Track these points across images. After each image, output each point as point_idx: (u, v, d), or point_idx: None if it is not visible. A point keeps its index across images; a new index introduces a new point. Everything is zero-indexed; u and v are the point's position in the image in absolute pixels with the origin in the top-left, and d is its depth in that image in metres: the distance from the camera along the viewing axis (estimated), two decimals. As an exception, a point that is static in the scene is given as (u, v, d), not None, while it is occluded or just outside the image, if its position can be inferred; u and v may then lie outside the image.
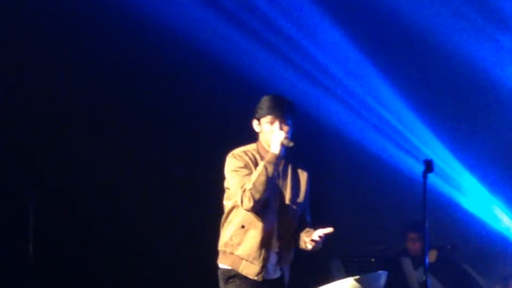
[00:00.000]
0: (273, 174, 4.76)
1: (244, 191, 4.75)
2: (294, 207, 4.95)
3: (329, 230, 4.77)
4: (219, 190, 5.07)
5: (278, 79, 8.05)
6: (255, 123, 4.98)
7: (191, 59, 8.04)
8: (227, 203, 4.98)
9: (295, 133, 4.94)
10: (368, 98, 8.45)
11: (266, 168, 4.74)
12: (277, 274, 4.94)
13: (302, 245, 4.96)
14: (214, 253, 5.05)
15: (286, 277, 4.99)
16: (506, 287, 7.90)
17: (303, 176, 5.04)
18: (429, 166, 5.46)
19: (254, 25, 8.07)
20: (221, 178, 5.03)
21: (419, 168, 5.61)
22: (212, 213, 5.34)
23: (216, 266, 5.03)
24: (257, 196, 4.71)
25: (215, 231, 5.07)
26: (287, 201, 4.93)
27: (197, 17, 7.98)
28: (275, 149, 4.80)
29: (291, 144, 4.83)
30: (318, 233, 4.79)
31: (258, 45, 8.09)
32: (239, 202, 4.79)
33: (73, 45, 7.90)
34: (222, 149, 5.15)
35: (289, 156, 5.01)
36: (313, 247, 4.86)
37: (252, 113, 5.00)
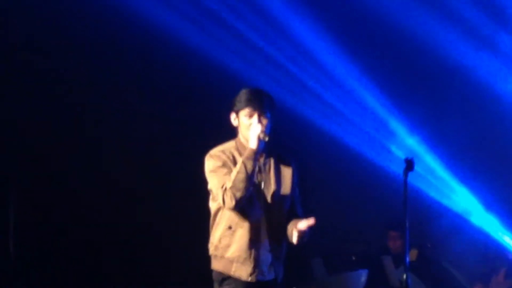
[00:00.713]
0: (253, 170, 4.66)
1: (225, 190, 4.65)
2: (280, 200, 4.84)
3: (311, 221, 4.67)
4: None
5: (256, 74, 8.02)
6: (232, 116, 4.87)
7: (174, 56, 8.01)
8: (212, 205, 4.90)
9: (275, 128, 4.85)
10: (349, 96, 8.45)
11: (245, 165, 4.64)
12: (271, 275, 4.86)
13: (289, 238, 4.85)
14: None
15: (280, 276, 4.90)
16: (487, 284, 7.94)
17: (287, 167, 4.91)
18: (410, 164, 5.46)
19: (227, 18, 8.05)
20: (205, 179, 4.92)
21: (400, 167, 5.61)
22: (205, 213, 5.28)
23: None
24: (238, 194, 4.62)
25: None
26: (271, 195, 4.82)
27: (177, 12, 7.95)
28: (253, 144, 4.70)
29: (267, 138, 4.72)
30: (301, 226, 4.69)
31: (232, 38, 8.06)
32: (221, 203, 4.70)
33: (50, 35, 7.87)
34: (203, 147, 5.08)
35: (271, 148, 4.87)
36: (298, 240, 4.73)
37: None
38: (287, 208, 4.89)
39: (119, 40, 7.95)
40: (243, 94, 4.82)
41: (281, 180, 4.88)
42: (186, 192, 7.83)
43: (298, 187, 4.98)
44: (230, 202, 4.64)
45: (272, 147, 4.89)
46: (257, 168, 4.74)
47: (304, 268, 7.61)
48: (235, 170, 4.67)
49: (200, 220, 5.16)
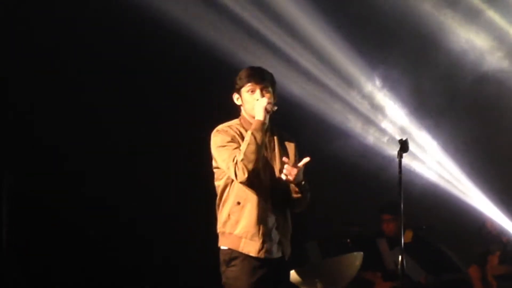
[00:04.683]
0: (262, 141, 4.69)
1: (236, 163, 4.65)
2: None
3: (306, 159, 4.74)
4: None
5: (247, 54, 7.99)
6: (235, 97, 4.90)
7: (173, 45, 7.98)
8: (218, 184, 4.88)
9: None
10: (342, 79, 8.42)
11: (254, 136, 4.67)
12: (279, 254, 4.86)
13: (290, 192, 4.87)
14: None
15: (287, 253, 4.91)
16: (484, 266, 7.93)
17: (290, 146, 4.97)
18: (404, 146, 5.43)
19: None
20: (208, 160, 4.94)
21: (394, 148, 5.58)
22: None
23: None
24: (250, 166, 4.63)
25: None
26: (277, 172, 4.84)
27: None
28: (260, 116, 4.73)
29: (275, 108, 4.77)
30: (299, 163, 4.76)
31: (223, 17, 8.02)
32: (233, 176, 4.70)
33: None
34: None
35: (274, 128, 4.92)
36: (292, 176, 4.72)
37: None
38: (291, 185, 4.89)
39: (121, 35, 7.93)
40: (243, 72, 4.87)
41: (287, 156, 4.88)
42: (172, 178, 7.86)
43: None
44: (243, 175, 4.65)
45: (275, 128, 4.93)
46: (266, 142, 4.77)
47: (299, 252, 7.59)
48: (245, 142, 4.69)
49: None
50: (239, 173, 4.66)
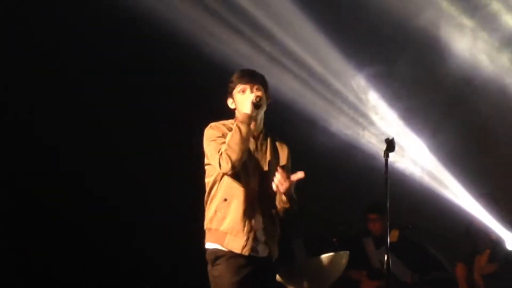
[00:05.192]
0: (247, 133, 4.76)
1: (221, 154, 4.73)
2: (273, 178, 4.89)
3: (300, 174, 4.79)
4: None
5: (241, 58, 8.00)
6: (229, 101, 4.99)
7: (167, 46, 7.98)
8: (208, 180, 4.94)
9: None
10: (329, 77, 8.42)
11: (239, 128, 4.75)
12: (265, 253, 4.89)
13: (277, 200, 4.91)
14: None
15: (274, 254, 4.94)
16: (471, 265, 7.94)
17: (282, 148, 5.04)
18: (390, 145, 5.43)
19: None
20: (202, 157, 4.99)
21: (381, 147, 5.58)
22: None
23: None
24: (234, 156, 4.70)
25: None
26: (267, 172, 4.90)
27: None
28: (247, 109, 4.81)
29: (261, 102, 4.83)
30: (293, 177, 4.80)
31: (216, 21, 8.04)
32: (217, 167, 4.76)
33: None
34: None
35: (267, 131, 5.01)
36: (282, 189, 4.76)
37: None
38: None
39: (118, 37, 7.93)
40: (234, 75, 4.96)
41: (277, 159, 4.97)
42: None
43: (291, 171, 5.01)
44: (226, 165, 4.72)
45: (268, 130, 5.01)
46: (254, 143, 4.85)
47: (285, 250, 7.58)
48: (229, 134, 4.77)
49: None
50: (223, 163, 4.72)
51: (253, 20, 8.13)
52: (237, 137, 4.73)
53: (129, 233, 8.10)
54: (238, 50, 8.06)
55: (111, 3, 7.65)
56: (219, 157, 4.73)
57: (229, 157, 4.70)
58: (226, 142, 4.75)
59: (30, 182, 7.93)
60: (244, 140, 4.74)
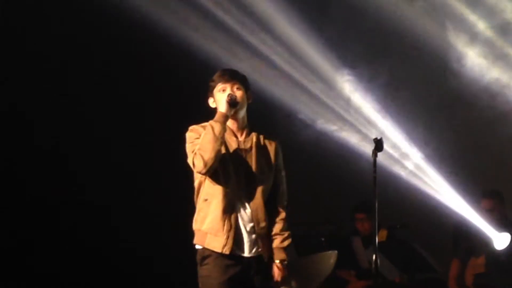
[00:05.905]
0: (220, 132, 4.75)
1: (195, 154, 4.74)
2: (261, 178, 4.90)
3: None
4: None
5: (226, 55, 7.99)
6: (210, 100, 4.99)
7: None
8: (196, 182, 4.96)
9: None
10: (317, 75, 8.42)
11: (212, 127, 4.76)
12: (253, 253, 4.89)
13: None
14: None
15: (265, 253, 4.95)
16: (465, 263, 7.92)
17: (271, 145, 5.01)
18: (378, 144, 5.43)
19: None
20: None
21: (369, 147, 5.58)
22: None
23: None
24: (206, 155, 4.70)
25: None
26: (253, 170, 4.89)
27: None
28: (222, 107, 4.83)
29: (235, 99, 4.82)
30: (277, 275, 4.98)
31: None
32: (192, 167, 4.79)
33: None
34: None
35: (252, 128, 5.00)
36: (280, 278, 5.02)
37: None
38: (269, 186, 4.95)
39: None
40: (215, 74, 4.96)
41: (264, 156, 4.95)
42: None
43: (283, 169, 5.06)
44: (199, 164, 4.72)
45: (254, 128, 4.99)
46: (224, 132, 4.80)
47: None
48: (203, 133, 4.77)
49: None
50: (196, 162, 4.74)
51: (237, 17, 8.14)
52: (209, 136, 4.73)
53: (129, 234, 8.09)
54: (224, 46, 8.06)
55: (111, 4, 7.68)
56: (193, 157, 4.75)
57: (202, 156, 4.71)
58: (200, 141, 4.77)
59: (20, 181, 7.91)
60: (217, 139, 4.74)
